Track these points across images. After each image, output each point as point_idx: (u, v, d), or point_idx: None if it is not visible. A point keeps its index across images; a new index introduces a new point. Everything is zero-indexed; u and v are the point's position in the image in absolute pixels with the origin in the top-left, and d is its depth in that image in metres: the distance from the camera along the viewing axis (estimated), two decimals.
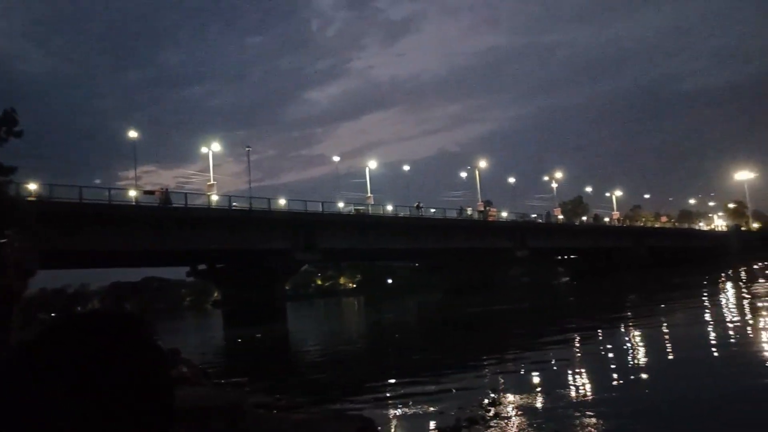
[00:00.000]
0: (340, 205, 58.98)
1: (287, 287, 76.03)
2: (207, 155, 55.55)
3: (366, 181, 67.86)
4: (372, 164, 70.32)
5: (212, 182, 52.37)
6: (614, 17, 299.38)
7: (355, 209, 54.88)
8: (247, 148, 62.26)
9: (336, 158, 73.82)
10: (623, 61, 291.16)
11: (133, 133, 51.06)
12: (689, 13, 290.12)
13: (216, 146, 56.40)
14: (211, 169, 54.17)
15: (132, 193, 44.92)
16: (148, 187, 48.86)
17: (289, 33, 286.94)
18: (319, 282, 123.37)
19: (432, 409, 12.36)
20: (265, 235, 49.42)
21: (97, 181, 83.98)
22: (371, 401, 14.25)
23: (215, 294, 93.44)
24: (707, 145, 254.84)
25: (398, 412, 12.90)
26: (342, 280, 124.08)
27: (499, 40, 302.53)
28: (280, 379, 19.42)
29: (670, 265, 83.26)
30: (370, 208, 61.73)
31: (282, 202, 53.89)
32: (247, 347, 32.19)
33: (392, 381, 16.70)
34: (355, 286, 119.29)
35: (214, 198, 49.42)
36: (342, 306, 79.25)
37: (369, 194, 65.76)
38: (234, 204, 49.26)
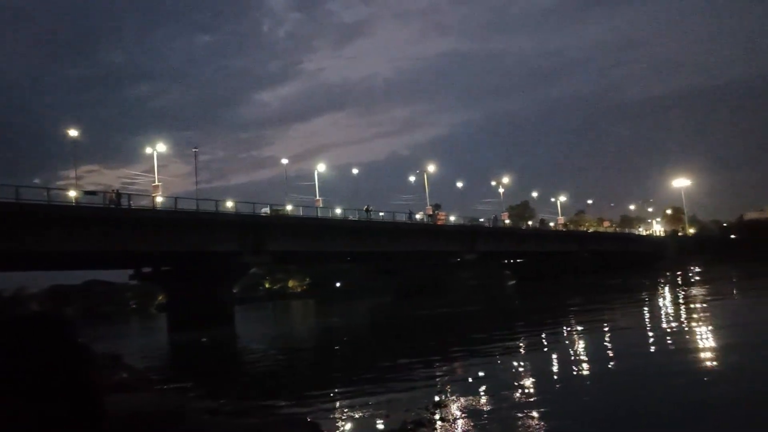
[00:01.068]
0: (289, 207, 58.54)
1: (235, 290, 75.01)
2: (152, 155, 54.32)
3: (315, 184, 67.59)
4: (322, 167, 70.00)
5: (157, 183, 51.20)
6: (561, 27, 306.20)
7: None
8: (195, 149, 61.13)
9: (284, 160, 72.90)
10: (569, 70, 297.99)
11: (73, 132, 49.45)
12: (632, 25, 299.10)
13: (161, 146, 55.11)
14: (156, 170, 52.98)
15: (72, 194, 43.55)
16: (90, 188, 47.46)
17: (239, 33, 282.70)
18: (268, 285, 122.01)
19: (379, 412, 12.40)
20: (212, 237, 48.61)
21: (36, 181, 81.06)
22: (319, 405, 14.20)
23: (160, 297, 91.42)
24: (648, 152, 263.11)
25: (345, 415, 12.89)
26: (291, 283, 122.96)
27: (450, 46, 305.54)
28: (227, 384, 19.15)
29: (612, 269, 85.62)
30: (318, 211, 61.46)
31: (230, 204, 53.10)
32: (193, 352, 31.59)
33: (340, 384, 16.68)
34: (304, 289, 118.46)
35: (159, 199, 48.32)
36: (291, 309, 78.68)
37: (318, 197, 65.51)
38: (181, 206, 48.25)
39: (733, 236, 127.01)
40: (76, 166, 50.28)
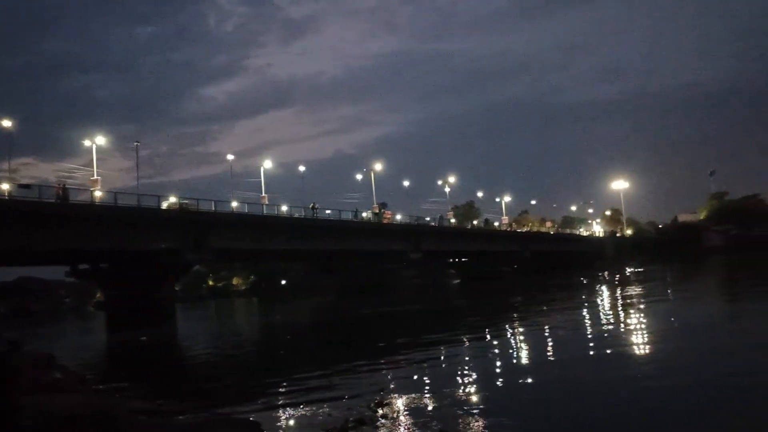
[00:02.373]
0: (234, 204, 57.68)
1: (177, 288, 73.50)
2: (91, 149, 52.65)
3: (261, 181, 66.87)
4: (267, 164, 69.28)
5: (96, 177, 49.66)
6: (507, 29, 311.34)
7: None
8: (136, 143, 59.45)
9: (230, 156, 72.01)
10: (515, 71, 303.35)
11: (6, 122, 47.45)
12: (576, 30, 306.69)
13: (100, 139, 53.51)
14: (95, 163, 51.40)
15: (5, 186, 41.80)
16: (25, 181, 45.53)
17: (184, 25, 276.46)
18: (211, 283, 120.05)
19: (321, 410, 12.34)
20: (153, 233, 47.53)
21: None
22: (260, 404, 14.04)
23: (98, 295, 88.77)
24: (589, 154, 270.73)
25: (286, 414, 12.78)
26: (235, 281, 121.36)
27: (398, 45, 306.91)
28: (166, 384, 18.74)
29: (553, 269, 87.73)
30: (264, 209, 60.79)
31: (173, 199, 51.96)
32: (132, 351, 30.77)
33: (282, 383, 16.54)
34: (248, 287, 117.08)
35: (99, 194, 46.84)
36: (234, 307, 77.56)
37: (263, 194, 64.84)
38: (121, 201, 46.88)
39: (667, 237, 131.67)
40: (10, 158, 48.16)
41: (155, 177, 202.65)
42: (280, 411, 13.07)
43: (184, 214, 49.96)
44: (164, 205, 50.41)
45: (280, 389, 15.75)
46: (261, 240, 56.82)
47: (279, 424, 11.98)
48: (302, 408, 13.00)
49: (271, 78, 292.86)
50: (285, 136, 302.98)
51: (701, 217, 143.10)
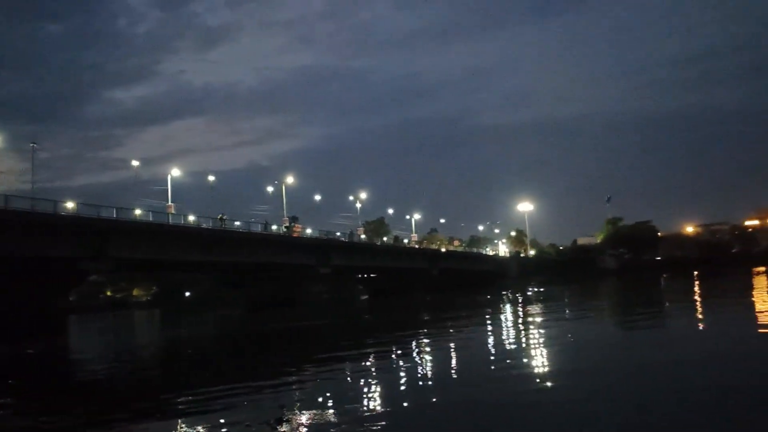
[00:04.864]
0: (138, 212, 55.42)
1: (72, 298, 69.70)
2: None
3: (168, 189, 64.64)
4: (176, 172, 67.17)
5: None
6: (424, 50, 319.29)
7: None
8: (32, 144, 56.27)
9: (135, 162, 69.26)
10: (430, 92, 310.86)
11: None
12: (488, 56, 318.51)
13: None
14: None
15: None
16: None
17: (93, 26, 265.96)
18: (110, 293, 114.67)
19: (221, 428, 11.99)
20: (48, 240, 44.91)
21: None
22: (155, 421, 13.51)
23: None
24: (497, 176, 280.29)
25: (184, 430, 12.34)
26: (136, 292, 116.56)
27: (315, 60, 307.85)
28: (51, 400, 17.66)
29: (460, 286, 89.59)
30: (170, 218, 58.81)
31: (71, 205, 49.29)
32: (18, 365, 28.84)
33: (179, 400, 15.97)
34: (150, 298, 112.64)
35: None
36: (135, 320, 74.43)
37: (170, 203, 62.72)
38: (14, 205, 43.99)
39: (566, 259, 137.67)
40: None
41: (56, 181, 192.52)
42: (177, 428, 12.60)
43: (82, 220, 47.53)
44: (70, 205, 47.85)
45: (179, 406, 15.21)
46: (166, 250, 54.86)
47: None
48: (200, 424, 12.60)
49: (185, 85, 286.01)
50: (197, 145, 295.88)
51: (598, 241, 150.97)
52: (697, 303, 41.47)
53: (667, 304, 44.75)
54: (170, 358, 30.46)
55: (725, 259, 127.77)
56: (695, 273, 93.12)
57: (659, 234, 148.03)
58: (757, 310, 31.24)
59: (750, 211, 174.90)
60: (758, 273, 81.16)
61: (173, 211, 60.93)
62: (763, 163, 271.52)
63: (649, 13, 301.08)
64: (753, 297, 40.87)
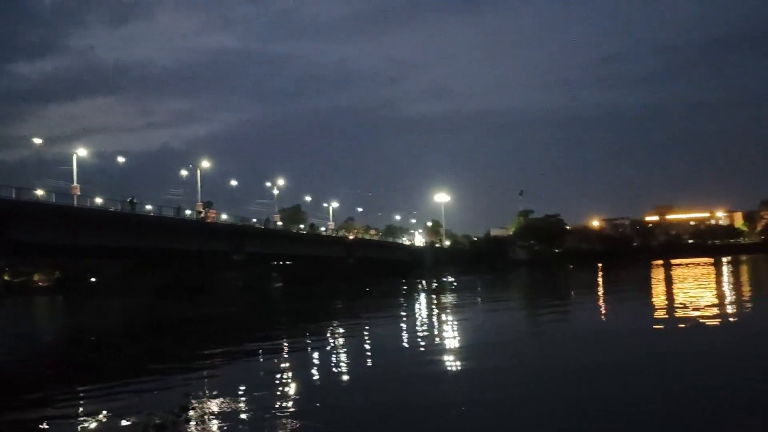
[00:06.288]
0: (39, 193, 52.58)
1: None
2: None
3: (73, 169, 61.55)
4: (82, 151, 64.00)
5: None
6: (346, 38, 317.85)
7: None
8: None
9: (37, 140, 65.31)
10: (350, 81, 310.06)
11: None
12: (410, 48, 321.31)
13: None
14: None
15: None
16: None
17: None
18: (7, 278, 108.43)
19: (122, 416, 11.73)
20: None
21: None
22: (55, 410, 13.07)
23: None
24: (415, 167, 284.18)
25: (84, 420, 12.01)
26: (36, 277, 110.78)
27: (235, 42, 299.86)
28: None
29: (376, 275, 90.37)
30: (75, 200, 56.18)
31: None
32: None
33: (82, 388, 15.49)
34: (52, 284, 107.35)
35: None
36: (34, 307, 70.86)
37: (75, 184, 59.76)
38: None
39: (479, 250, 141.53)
40: None
41: None
42: (76, 417, 12.23)
43: None
44: None
45: (80, 395, 14.75)
46: (70, 234, 52.34)
47: (74, 430, 11.23)
48: (102, 413, 12.29)
49: (94, 61, 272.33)
50: (108, 125, 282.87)
51: (510, 233, 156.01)
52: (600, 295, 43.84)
53: (573, 294, 47.15)
54: (70, 345, 29.23)
55: (627, 252, 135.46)
56: (599, 265, 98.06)
57: (567, 227, 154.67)
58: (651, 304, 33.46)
59: (650, 207, 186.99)
60: (656, 265, 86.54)
61: (78, 193, 58.14)
62: (664, 163, 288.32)
63: (571, 10, 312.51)
64: (650, 291, 43.62)
